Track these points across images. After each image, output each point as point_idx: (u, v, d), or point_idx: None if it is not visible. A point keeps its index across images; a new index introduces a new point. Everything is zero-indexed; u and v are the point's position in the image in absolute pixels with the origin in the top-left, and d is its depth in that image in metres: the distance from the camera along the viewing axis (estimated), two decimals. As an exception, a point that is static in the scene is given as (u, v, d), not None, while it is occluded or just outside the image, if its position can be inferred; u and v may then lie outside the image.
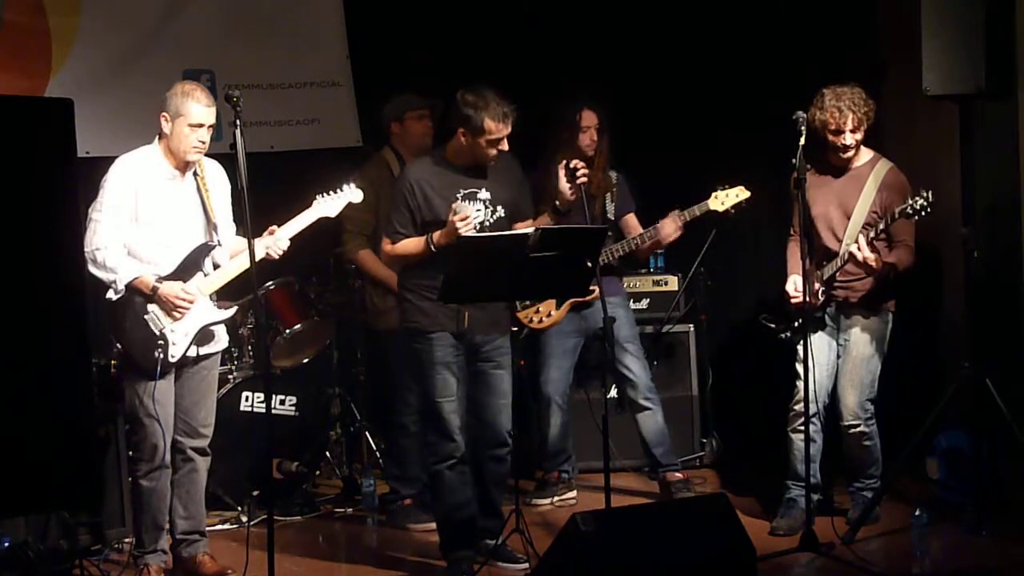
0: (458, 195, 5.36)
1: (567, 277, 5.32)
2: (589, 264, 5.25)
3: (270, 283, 6.62)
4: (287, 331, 6.69)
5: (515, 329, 5.59)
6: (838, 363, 5.94)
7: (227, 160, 5.10)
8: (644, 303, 7.25)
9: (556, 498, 6.68)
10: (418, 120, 6.39)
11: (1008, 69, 5.81)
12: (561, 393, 6.68)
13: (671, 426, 6.81)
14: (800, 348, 5.88)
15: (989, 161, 6.09)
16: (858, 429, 5.89)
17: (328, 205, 5.54)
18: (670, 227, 6.25)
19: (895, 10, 6.76)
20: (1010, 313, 6.15)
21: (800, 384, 5.90)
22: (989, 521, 5.76)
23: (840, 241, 5.83)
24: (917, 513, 5.44)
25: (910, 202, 5.51)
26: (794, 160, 5.56)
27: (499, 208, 5.49)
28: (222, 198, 5.51)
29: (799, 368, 5.89)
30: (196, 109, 5.28)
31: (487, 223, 5.45)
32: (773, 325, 6.01)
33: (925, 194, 5.48)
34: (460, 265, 5.13)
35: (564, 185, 5.54)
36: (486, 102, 5.33)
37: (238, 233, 5.54)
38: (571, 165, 5.56)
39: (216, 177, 5.51)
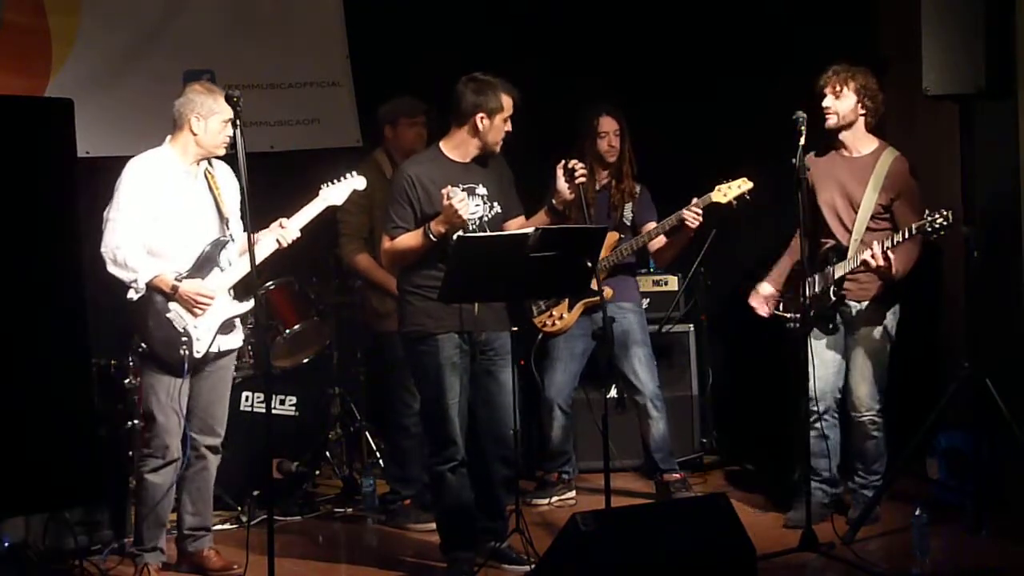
0: (458, 188, 5.35)
1: (567, 277, 5.32)
2: (589, 264, 5.25)
3: (270, 283, 6.62)
4: (287, 331, 6.69)
5: (515, 329, 5.58)
6: (848, 356, 5.93)
7: (227, 160, 5.12)
8: (644, 303, 7.24)
9: (555, 498, 6.69)
10: (410, 127, 6.39)
11: (1008, 69, 5.81)
12: (565, 397, 6.69)
13: (672, 426, 6.82)
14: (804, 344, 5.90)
15: (989, 161, 6.08)
16: (869, 417, 5.91)
17: (334, 193, 5.65)
18: (689, 215, 6.23)
19: (895, 10, 6.76)
20: (1010, 313, 6.14)
21: (808, 382, 5.94)
22: (989, 521, 5.75)
23: (848, 232, 5.84)
24: (917, 513, 5.43)
25: (928, 219, 5.50)
26: (794, 160, 5.56)
27: (495, 204, 5.50)
28: (232, 197, 5.57)
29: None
30: (225, 105, 5.36)
31: (485, 218, 5.46)
32: (783, 314, 6.01)
33: (946, 213, 5.47)
34: (460, 265, 5.13)
35: (562, 185, 5.54)
36: (492, 80, 5.42)
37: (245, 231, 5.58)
38: (569, 165, 5.56)
39: (226, 177, 5.59)
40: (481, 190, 5.46)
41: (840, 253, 5.85)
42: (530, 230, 5.17)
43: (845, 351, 5.95)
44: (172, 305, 5.36)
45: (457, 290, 5.22)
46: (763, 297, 6.07)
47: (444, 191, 5.25)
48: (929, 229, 5.51)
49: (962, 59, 5.71)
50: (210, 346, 5.42)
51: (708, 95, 7.29)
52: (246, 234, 5.50)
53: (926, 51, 5.77)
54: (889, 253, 5.62)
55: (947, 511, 5.91)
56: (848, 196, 5.85)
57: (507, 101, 5.41)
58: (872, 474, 5.96)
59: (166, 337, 5.35)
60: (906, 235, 5.60)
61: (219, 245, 5.47)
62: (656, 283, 7.29)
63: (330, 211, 6.32)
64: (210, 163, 5.52)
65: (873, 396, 5.91)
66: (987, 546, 5.67)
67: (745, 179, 6.13)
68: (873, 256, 5.62)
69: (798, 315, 5.88)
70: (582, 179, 5.55)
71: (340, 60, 7.54)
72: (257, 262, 5.41)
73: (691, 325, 7.31)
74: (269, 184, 5.71)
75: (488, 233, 5.40)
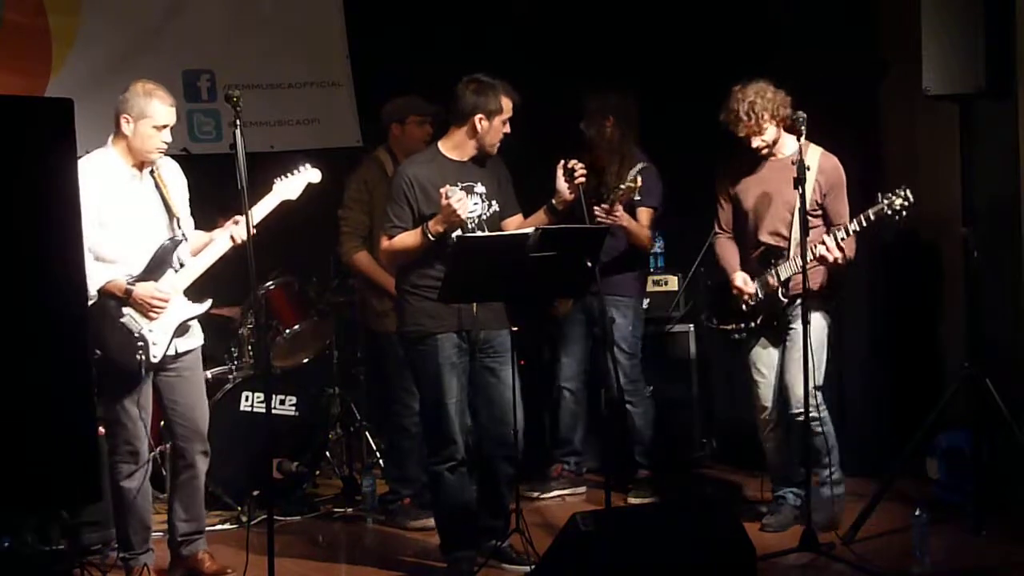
0: (456, 187, 5.36)
1: (567, 277, 5.32)
2: (589, 264, 5.25)
3: (270, 283, 6.63)
4: (287, 331, 6.70)
5: (515, 328, 5.59)
6: (783, 354, 5.84)
7: (228, 160, 5.11)
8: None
9: (555, 492, 6.69)
10: (419, 126, 6.39)
11: (1008, 69, 5.81)
12: (572, 381, 6.70)
13: (672, 426, 6.81)
14: (752, 353, 5.89)
15: (989, 161, 6.09)
16: (808, 416, 5.66)
17: (288, 186, 5.48)
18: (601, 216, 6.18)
19: (895, 10, 6.76)
20: (1010, 314, 6.15)
21: (759, 391, 5.92)
22: (989, 521, 5.76)
23: (785, 237, 5.75)
24: (917, 513, 5.44)
25: (885, 202, 5.44)
26: (792, 160, 5.54)
27: (493, 202, 5.51)
28: (180, 194, 5.46)
29: (755, 374, 5.90)
30: (161, 110, 5.23)
31: (483, 216, 5.47)
32: (725, 326, 5.93)
33: (903, 192, 5.41)
34: (460, 265, 5.14)
35: (562, 185, 5.54)
36: (493, 83, 5.42)
37: (197, 227, 5.52)
38: (569, 165, 5.56)
39: (173, 174, 5.46)
40: (480, 188, 5.47)
41: (778, 255, 5.77)
42: (530, 230, 5.18)
43: (781, 351, 5.85)
44: (126, 310, 5.23)
45: (457, 290, 5.22)
46: (747, 281, 5.89)
47: (443, 190, 5.25)
48: (889, 212, 5.43)
49: (962, 59, 5.71)
50: (167, 349, 5.30)
51: (708, 96, 7.27)
52: (198, 232, 5.45)
53: (926, 51, 5.77)
54: (842, 244, 5.57)
55: (947, 511, 5.92)
56: (782, 200, 5.75)
57: (507, 104, 5.41)
58: (826, 466, 5.78)
59: (121, 342, 5.21)
60: (863, 223, 5.52)
61: (172, 246, 5.33)
62: (656, 283, 7.29)
63: (332, 209, 6.36)
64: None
65: (809, 392, 5.63)
66: (987, 546, 5.68)
67: (637, 177, 6.09)
68: (828, 249, 5.54)
69: (742, 325, 5.86)
70: (581, 179, 5.55)
71: (340, 60, 7.54)
72: (212, 262, 5.35)
73: (691, 325, 7.30)
74: (269, 184, 5.68)
75: (488, 233, 5.40)
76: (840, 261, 5.62)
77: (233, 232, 5.32)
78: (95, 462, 4.13)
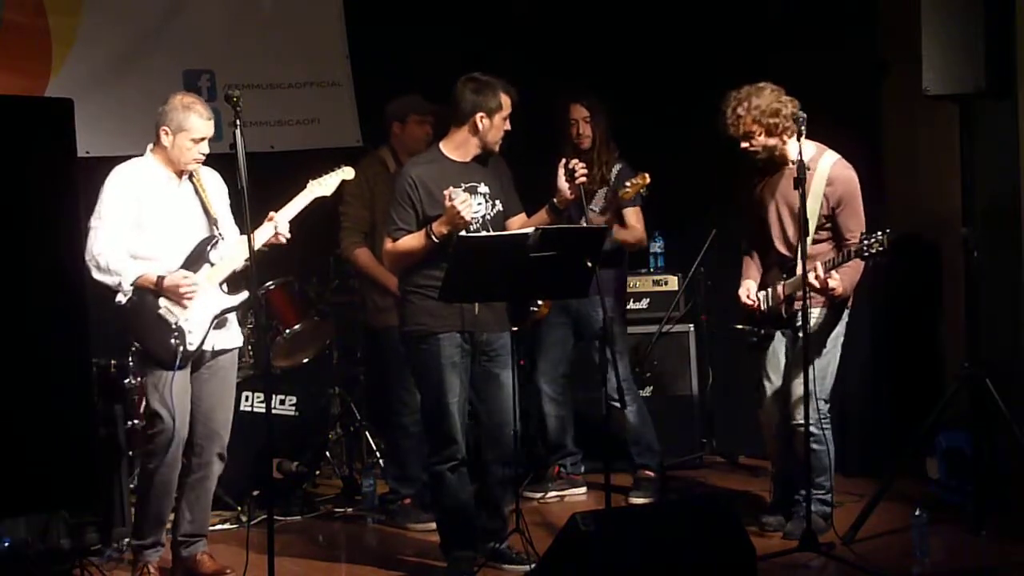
0: (460, 188, 5.36)
1: (567, 277, 5.32)
2: (589, 264, 5.25)
3: (270, 283, 6.62)
4: (287, 331, 6.70)
5: (515, 329, 5.59)
6: (790, 362, 5.77)
7: (228, 160, 5.11)
8: (644, 303, 7.25)
9: (552, 493, 6.68)
10: (419, 125, 6.39)
11: (1008, 69, 5.81)
12: (550, 382, 6.69)
13: (672, 426, 6.80)
14: (763, 359, 5.85)
15: (989, 161, 6.09)
16: (808, 428, 5.57)
17: (322, 185, 5.59)
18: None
19: (895, 10, 6.76)
20: (1010, 313, 6.14)
21: (764, 396, 5.87)
22: (989, 521, 5.75)
23: (794, 247, 5.67)
24: (917, 513, 5.44)
25: (864, 243, 5.35)
26: (792, 162, 5.54)
27: (496, 202, 5.52)
28: (221, 202, 5.55)
29: (763, 379, 5.85)
30: (198, 124, 5.34)
31: (487, 216, 5.47)
32: (744, 327, 5.90)
33: (881, 237, 5.31)
34: (460, 265, 5.14)
35: (563, 184, 5.55)
36: (492, 81, 5.44)
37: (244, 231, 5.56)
38: (570, 165, 5.57)
39: (213, 183, 5.56)
40: (483, 188, 5.47)
41: (787, 269, 5.71)
42: (530, 230, 5.18)
43: (790, 359, 5.78)
44: (162, 301, 5.33)
45: (457, 289, 5.22)
46: (750, 292, 5.85)
47: (446, 192, 5.26)
48: (867, 254, 5.37)
49: (962, 59, 5.71)
50: (203, 340, 5.38)
51: (709, 97, 7.27)
52: (243, 237, 5.50)
53: (926, 51, 5.77)
54: (834, 273, 5.50)
55: (947, 511, 5.92)
56: (791, 208, 5.67)
57: (506, 100, 5.43)
58: (818, 488, 5.69)
59: (159, 333, 5.32)
60: (844, 257, 5.47)
61: (208, 243, 5.44)
62: (656, 283, 7.29)
63: (331, 208, 6.35)
64: None
65: (811, 405, 5.54)
66: (987, 546, 5.68)
67: (644, 175, 6.06)
68: (817, 277, 5.47)
69: (760, 331, 5.83)
70: (582, 179, 5.56)
71: (340, 60, 7.54)
72: (245, 258, 5.35)
73: (691, 325, 7.30)
74: (269, 184, 5.69)
75: (488, 233, 5.41)
76: (835, 292, 5.52)
77: (277, 227, 5.41)
78: (95, 462, 4.13)
